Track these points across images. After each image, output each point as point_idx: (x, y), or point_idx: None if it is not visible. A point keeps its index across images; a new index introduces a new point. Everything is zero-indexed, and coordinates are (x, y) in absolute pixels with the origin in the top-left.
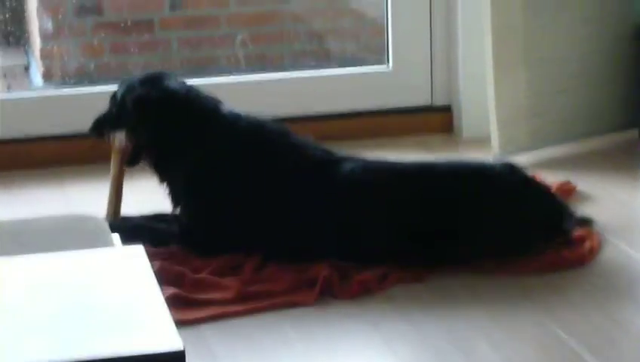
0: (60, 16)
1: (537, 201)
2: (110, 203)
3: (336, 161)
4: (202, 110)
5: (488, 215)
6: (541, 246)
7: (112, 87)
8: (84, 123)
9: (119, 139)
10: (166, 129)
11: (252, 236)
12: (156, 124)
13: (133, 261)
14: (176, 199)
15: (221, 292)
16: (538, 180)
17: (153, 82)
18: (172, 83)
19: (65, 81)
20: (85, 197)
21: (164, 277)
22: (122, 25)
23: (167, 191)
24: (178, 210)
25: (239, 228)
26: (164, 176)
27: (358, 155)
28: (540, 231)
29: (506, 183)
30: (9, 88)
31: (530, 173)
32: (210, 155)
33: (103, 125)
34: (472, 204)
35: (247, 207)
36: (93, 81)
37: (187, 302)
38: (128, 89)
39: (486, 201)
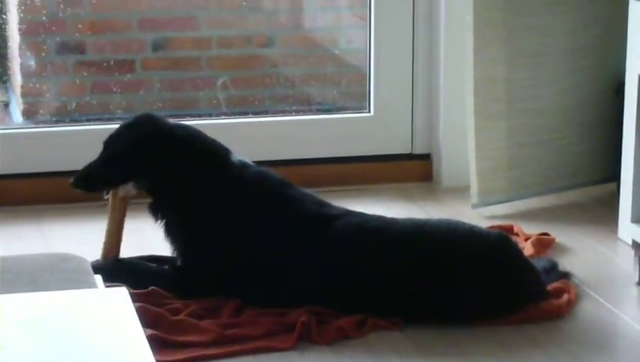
0: (43, 54)
1: (523, 280)
2: (108, 247)
3: (328, 218)
4: (212, 158)
5: (472, 282)
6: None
7: (92, 127)
8: (63, 161)
9: (125, 189)
10: (175, 173)
11: (239, 283)
12: (170, 170)
13: (117, 302)
14: (173, 240)
15: (199, 334)
16: (523, 254)
17: (161, 132)
18: (183, 130)
19: (45, 119)
20: (63, 236)
21: (142, 319)
22: (104, 64)
23: (164, 230)
24: (173, 251)
25: (230, 274)
26: (163, 215)
27: (353, 212)
28: (519, 302)
29: (494, 255)
30: None
31: (510, 223)
32: (213, 201)
33: (103, 181)
34: (457, 271)
35: (240, 255)
36: (73, 120)
37: (165, 343)
38: (137, 144)
39: (471, 270)
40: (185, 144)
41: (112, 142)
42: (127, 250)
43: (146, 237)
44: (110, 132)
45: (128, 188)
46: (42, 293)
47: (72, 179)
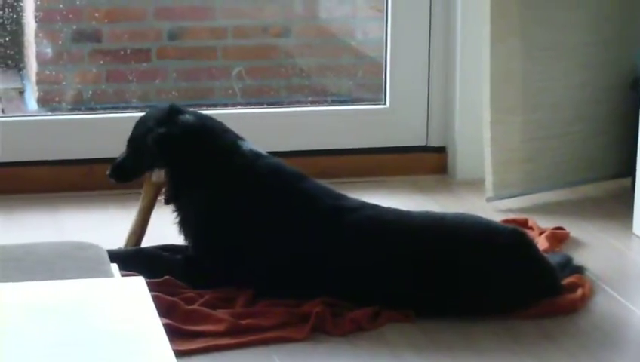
0: (59, 42)
1: (538, 275)
2: (133, 233)
3: (343, 211)
4: (222, 146)
5: (487, 277)
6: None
7: (108, 115)
8: (78, 150)
9: (157, 174)
10: (186, 162)
11: (252, 274)
12: (178, 158)
13: (134, 291)
14: (186, 229)
15: (213, 324)
16: (539, 250)
17: (172, 119)
18: (194, 118)
19: (60, 107)
20: (77, 225)
21: (156, 308)
22: (120, 53)
23: (177, 220)
24: (186, 240)
25: (242, 265)
26: (177, 205)
27: (368, 204)
28: (534, 297)
29: (510, 250)
30: (3, 111)
31: (524, 217)
32: (225, 191)
33: (130, 169)
34: (472, 266)
35: (253, 247)
36: (89, 108)
37: (179, 333)
38: (148, 131)
39: (486, 265)
40: (193, 139)
41: (136, 134)
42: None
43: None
44: (133, 120)
45: (160, 174)
46: (59, 281)
47: (107, 171)
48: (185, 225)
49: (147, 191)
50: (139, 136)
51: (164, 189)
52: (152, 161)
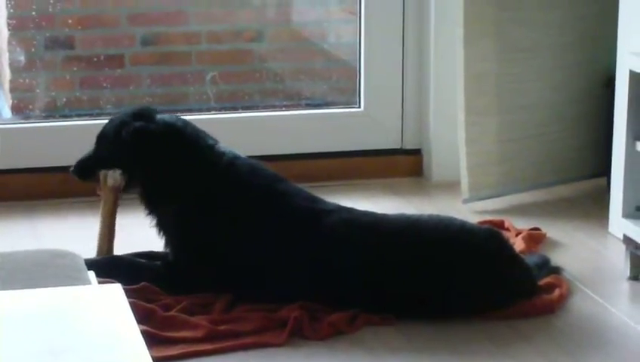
0: (32, 49)
1: (514, 275)
2: (102, 240)
3: (320, 214)
4: (200, 147)
5: (463, 278)
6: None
7: (82, 122)
8: (53, 157)
9: (112, 177)
10: (163, 162)
11: (230, 277)
12: (155, 156)
13: (111, 299)
14: (165, 233)
15: (191, 330)
16: (514, 250)
17: (148, 117)
18: (170, 117)
19: (34, 114)
20: (54, 232)
21: (133, 314)
22: (94, 59)
23: (154, 223)
24: (165, 245)
25: (220, 268)
26: (153, 208)
27: (345, 207)
28: (511, 297)
29: (485, 251)
30: None
31: (501, 218)
32: (203, 193)
33: (92, 166)
34: (448, 267)
35: (231, 250)
36: (63, 115)
37: (157, 339)
38: (122, 125)
39: (462, 267)
40: (171, 137)
41: (108, 129)
42: (122, 246)
43: (141, 232)
44: (101, 125)
45: (116, 177)
46: (36, 290)
47: (71, 167)
48: (164, 229)
49: (106, 197)
50: (110, 131)
51: (140, 191)
52: (122, 157)
